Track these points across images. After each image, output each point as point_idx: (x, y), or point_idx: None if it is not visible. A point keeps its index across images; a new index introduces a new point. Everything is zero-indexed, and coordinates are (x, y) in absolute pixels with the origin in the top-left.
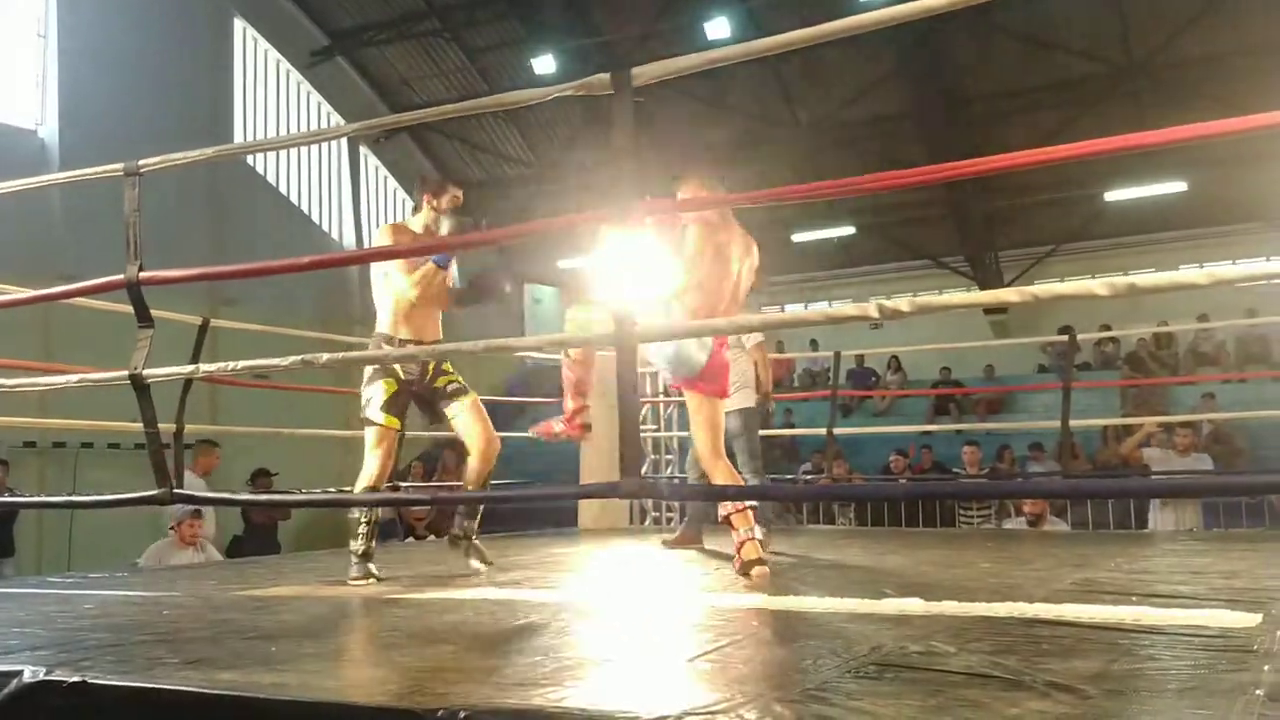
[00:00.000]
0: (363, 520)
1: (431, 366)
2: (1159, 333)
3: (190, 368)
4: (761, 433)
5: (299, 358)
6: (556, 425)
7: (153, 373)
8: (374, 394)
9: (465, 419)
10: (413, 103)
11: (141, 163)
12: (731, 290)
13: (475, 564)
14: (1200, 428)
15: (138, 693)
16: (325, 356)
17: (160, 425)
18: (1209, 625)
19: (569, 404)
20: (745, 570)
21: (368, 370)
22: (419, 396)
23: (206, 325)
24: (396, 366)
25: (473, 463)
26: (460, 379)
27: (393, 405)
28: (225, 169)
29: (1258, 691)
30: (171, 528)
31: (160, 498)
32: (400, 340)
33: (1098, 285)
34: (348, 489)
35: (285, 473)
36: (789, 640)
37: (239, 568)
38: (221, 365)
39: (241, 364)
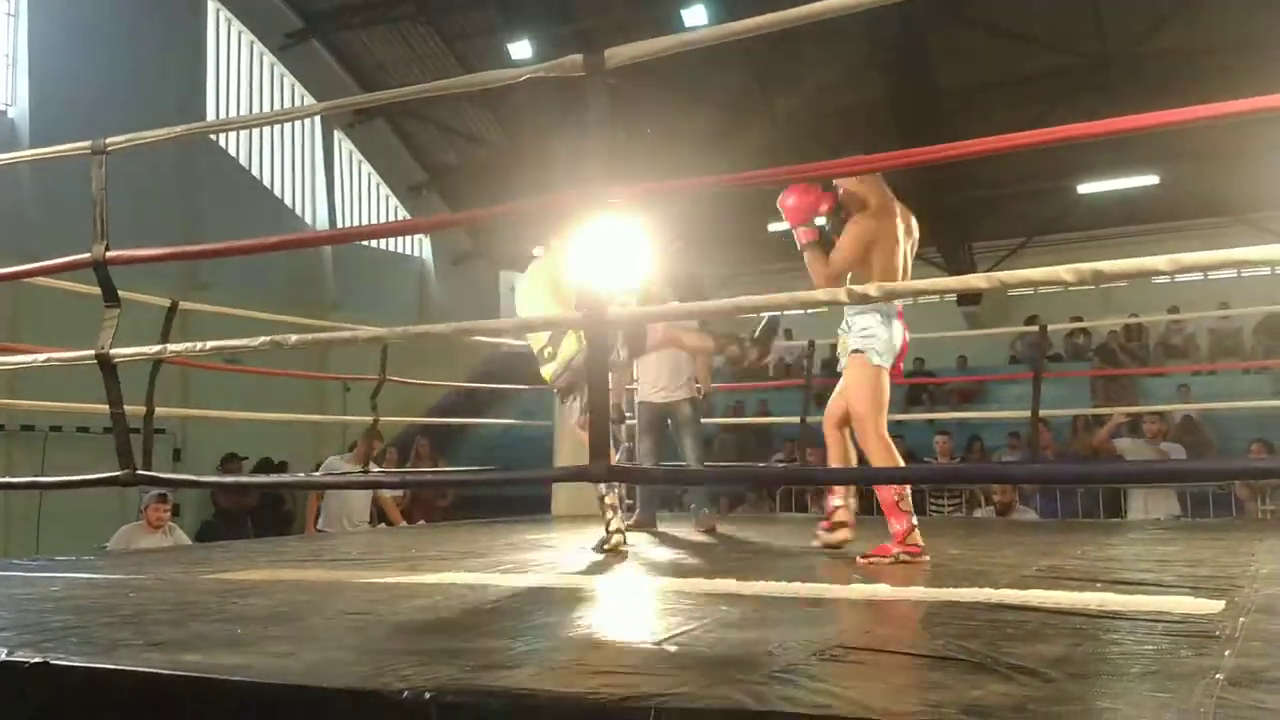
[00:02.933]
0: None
1: None
2: (1129, 325)
3: (157, 348)
4: (737, 420)
5: (266, 339)
6: None
7: (119, 352)
8: None
9: None
10: (388, 87)
11: (109, 140)
12: (904, 268)
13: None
14: (1171, 418)
15: (100, 674)
16: (294, 338)
17: (130, 408)
18: (1172, 611)
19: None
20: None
21: None
22: None
23: (175, 307)
24: None
25: None
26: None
27: None
28: (198, 152)
29: (1218, 676)
30: (140, 510)
31: (123, 479)
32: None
33: (1064, 271)
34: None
35: (257, 458)
36: (757, 624)
37: (207, 551)
38: (189, 346)
39: (209, 345)
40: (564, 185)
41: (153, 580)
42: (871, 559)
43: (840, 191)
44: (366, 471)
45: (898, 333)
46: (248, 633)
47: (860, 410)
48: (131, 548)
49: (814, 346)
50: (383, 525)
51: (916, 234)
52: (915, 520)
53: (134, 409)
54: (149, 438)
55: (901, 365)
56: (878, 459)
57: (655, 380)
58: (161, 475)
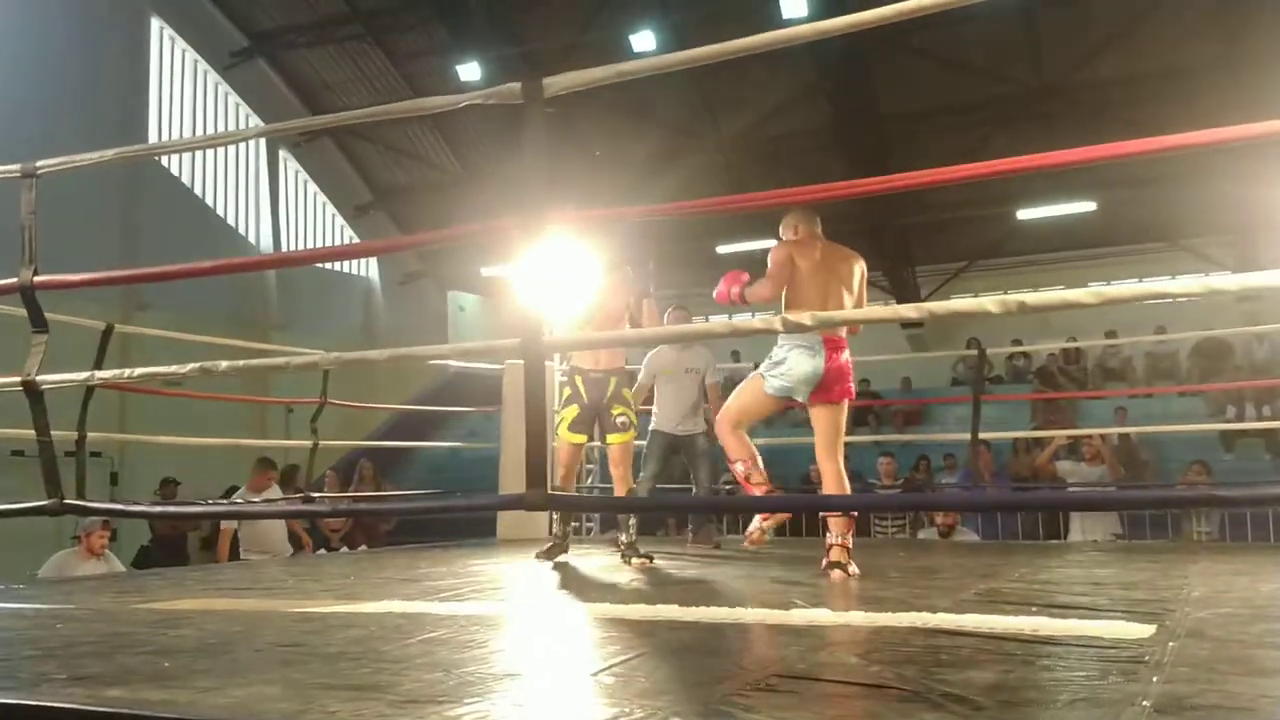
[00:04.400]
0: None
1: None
2: (1068, 348)
3: (86, 374)
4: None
5: (197, 365)
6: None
7: (46, 379)
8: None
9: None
10: (335, 107)
11: (39, 164)
12: (835, 303)
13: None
14: (1111, 439)
15: (20, 710)
16: (224, 364)
17: (65, 433)
18: (1104, 636)
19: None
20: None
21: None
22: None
23: (110, 331)
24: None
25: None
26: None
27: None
28: (140, 172)
29: (1145, 702)
30: (74, 537)
31: (49, 508)
32: None
33: (990, 303)
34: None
35: (196, 482)
36: (695, 652)
37: (141, 580)
38: (118, 372)
39: (139, 371)
40: (511, 208)
41: (82, 610)
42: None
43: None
44: (309, 499)
45: (819, 364)
46: (176, 666)
47: (729, 404)
48: (65, 575)
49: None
50: (322, 551)
51: (859, 272)
52: (759, 465)
53: (68, 433)
54: (82, 464)
55: (839, 389)
56: (731, 450)
57: (675, 413)
58: (90, 504)
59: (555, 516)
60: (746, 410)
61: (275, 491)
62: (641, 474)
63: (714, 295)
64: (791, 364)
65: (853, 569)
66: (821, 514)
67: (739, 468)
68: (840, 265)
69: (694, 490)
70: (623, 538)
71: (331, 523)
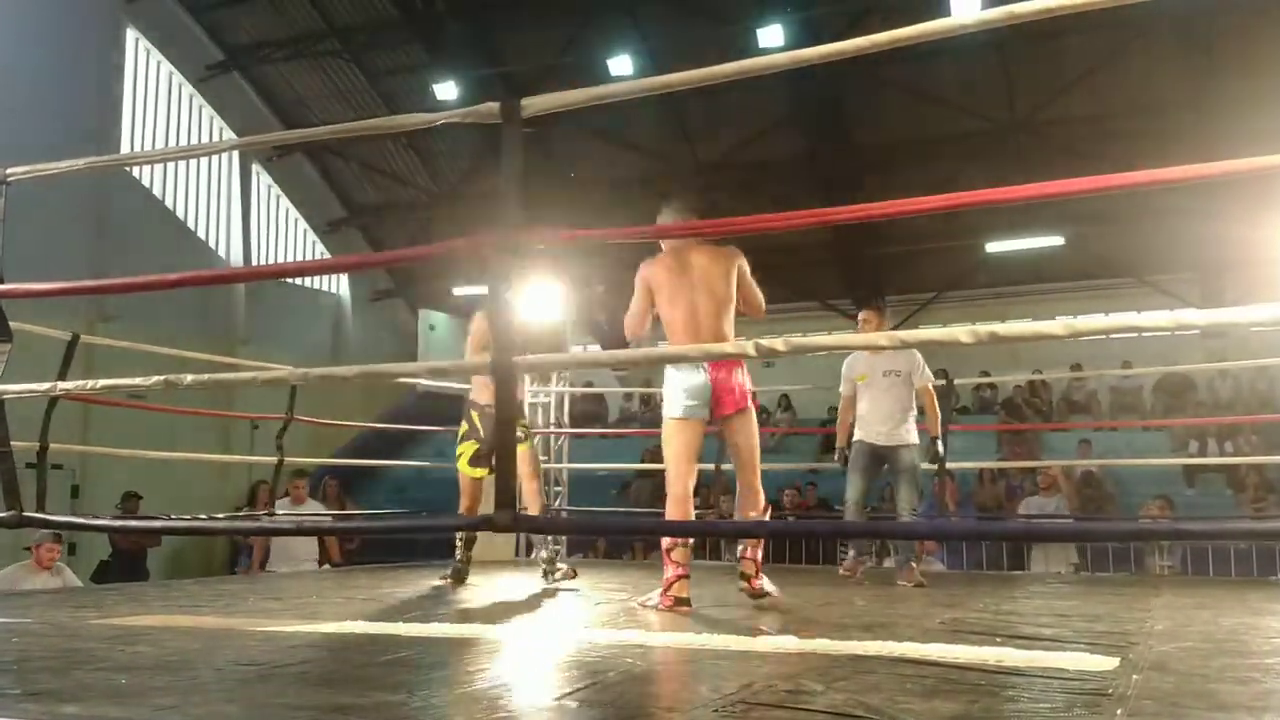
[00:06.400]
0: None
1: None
2: (1034, 380)
3: (47, 385)
4: (655, 466)
5: (160, 378)
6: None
7: (8, 389)
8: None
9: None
10: (309, 122)
11: (9, 170)
12: (706, 304)
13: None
14: (1074, 472)
15: None
16: (189, 378)
17: (26, 444)
18: (1068, 668)
19: None
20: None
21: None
22: None
23: (75, 342)
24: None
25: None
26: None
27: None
28: (111, 183)
29: None
30: (26, 548)
31: (8, 520)
32: None
33: (961, 333)
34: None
35: (160, 496)
36: (660, 678)
37: (99, 595)
38: (80, 384)
39: (103, 382)
40: (485, 228)
41: (39, 625)
42: (645, 602)
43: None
44: (271, 515)
45: (705, 377)
46: (133, 683)
47: (666, 461)
48: (16, 589)
49: None
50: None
51: (739, 266)
52: (685, 572)
53: (30, 445)
54: (43, 476)
55: (730, 400)
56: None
57: (874, 421)
58: (50, 517)
59: (461, 541)
60: (680, 458)
61: (312, 506)
62: (846, 493)
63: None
64: (680, 381)
65: (759, 583)
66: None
67: (666, 542)
68: (710, 268)
69: (899, 512)
70: (543, 554)
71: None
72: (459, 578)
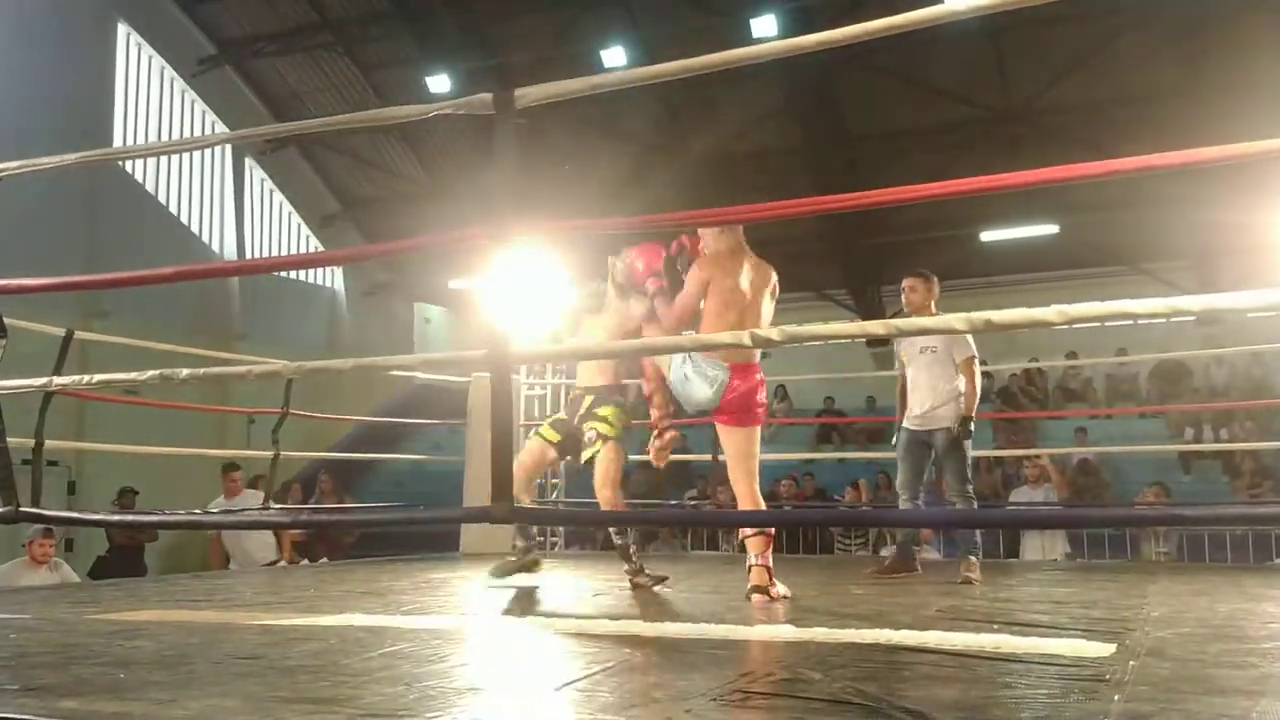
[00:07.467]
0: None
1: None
2: (1030, 368)
3: (42, 380)
4: (644, 458)
5: (156, 373)
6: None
7: (3, 385)
8: None
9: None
10: (302, 116)
11: (0, 166)
12: (752, 321)
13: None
14: (1069, 460)
15: None
16: (185, 372)
17: (22, 440)
18: (1065, 654)
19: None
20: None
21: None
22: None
23: (70, 337)
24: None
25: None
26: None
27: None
28: (103, 178)
29: None
30: (23, 545)
31: (4, 516)
32: None
33: (956, 320)
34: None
35: (155, 492)
36: (659, 667)
37: (97, 590)
38: (76, 379)
39: (98, 377)
40: (479, 220)
41: (37, 620)
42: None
43: (684, 240)
44: (267, 508)
45: (718, 394)
46: (131, 678)
47: (748, 473)
48: (12, 585)
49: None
50: (282, 563)
51: (774, 286)
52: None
53: (25, 441)
54: (38, 472)
55: (750, 415)
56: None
57: (914, 403)
58: (46, 512)
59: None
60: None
61: (248, 498)
62: (896, 483)
63: (632, 266)
64: (710, 386)
65: (777, 590)
66: (740, 535)
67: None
68: (757, 283)
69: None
70: (625, 566)
71: (291, 535)
72: (641, 573)
